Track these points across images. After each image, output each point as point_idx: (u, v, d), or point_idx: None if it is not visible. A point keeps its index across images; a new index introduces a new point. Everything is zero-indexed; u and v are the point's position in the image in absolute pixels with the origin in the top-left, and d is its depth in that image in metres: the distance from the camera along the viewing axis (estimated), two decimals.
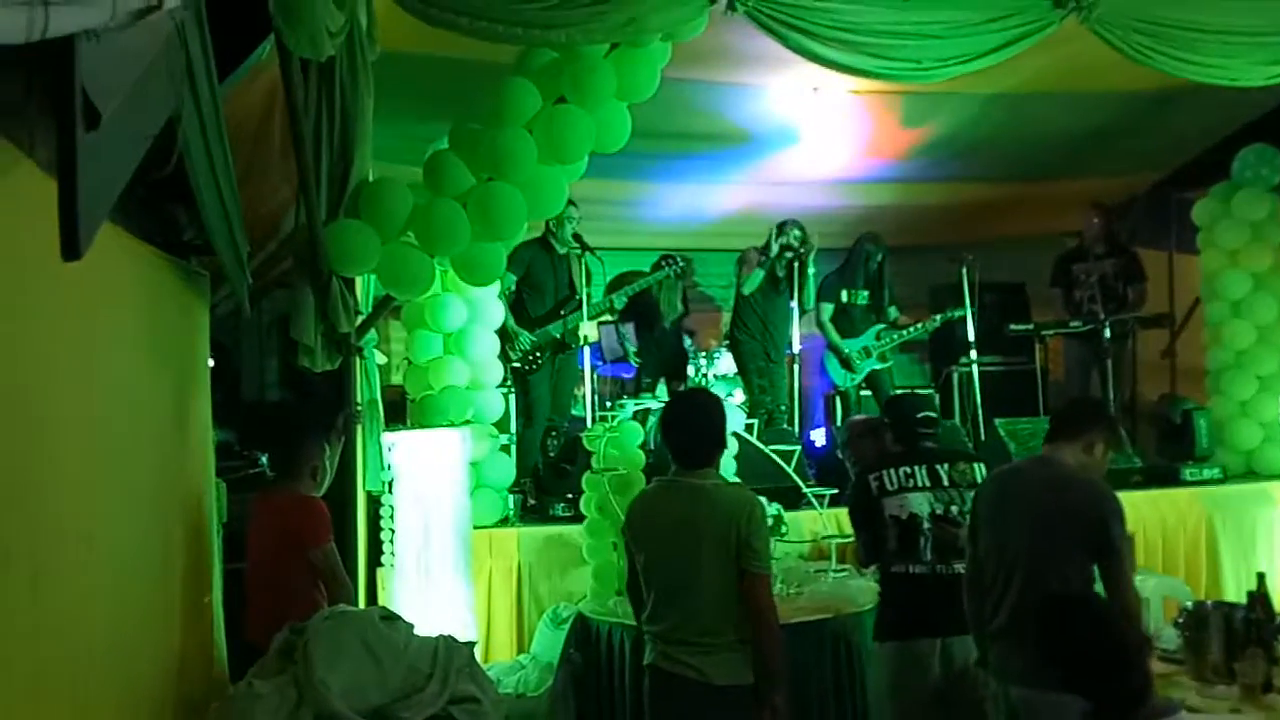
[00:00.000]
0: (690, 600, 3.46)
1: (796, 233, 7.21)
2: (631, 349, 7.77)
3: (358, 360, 4.81)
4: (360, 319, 4.68)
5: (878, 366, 7.53)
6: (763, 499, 5.38)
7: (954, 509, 3.99)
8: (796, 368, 7.22)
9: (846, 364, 7.47)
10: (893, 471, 4.09)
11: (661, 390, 7.50)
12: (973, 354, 7.23)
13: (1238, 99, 6.11)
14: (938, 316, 7.45)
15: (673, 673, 3.48)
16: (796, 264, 7.13)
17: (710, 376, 7.62)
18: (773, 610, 3.48)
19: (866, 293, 7.56)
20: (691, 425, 3.62)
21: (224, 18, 2.82)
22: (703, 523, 3.46)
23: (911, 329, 7.53)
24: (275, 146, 4.57)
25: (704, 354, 7.76)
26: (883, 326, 7.55)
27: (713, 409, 3.65)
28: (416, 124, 5.47)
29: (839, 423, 7.35)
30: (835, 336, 7.48)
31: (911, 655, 3.91)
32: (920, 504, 4.01)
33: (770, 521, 5.36)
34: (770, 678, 3.43)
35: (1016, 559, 3.45)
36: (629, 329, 7.83)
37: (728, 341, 7.77)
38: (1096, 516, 3.35)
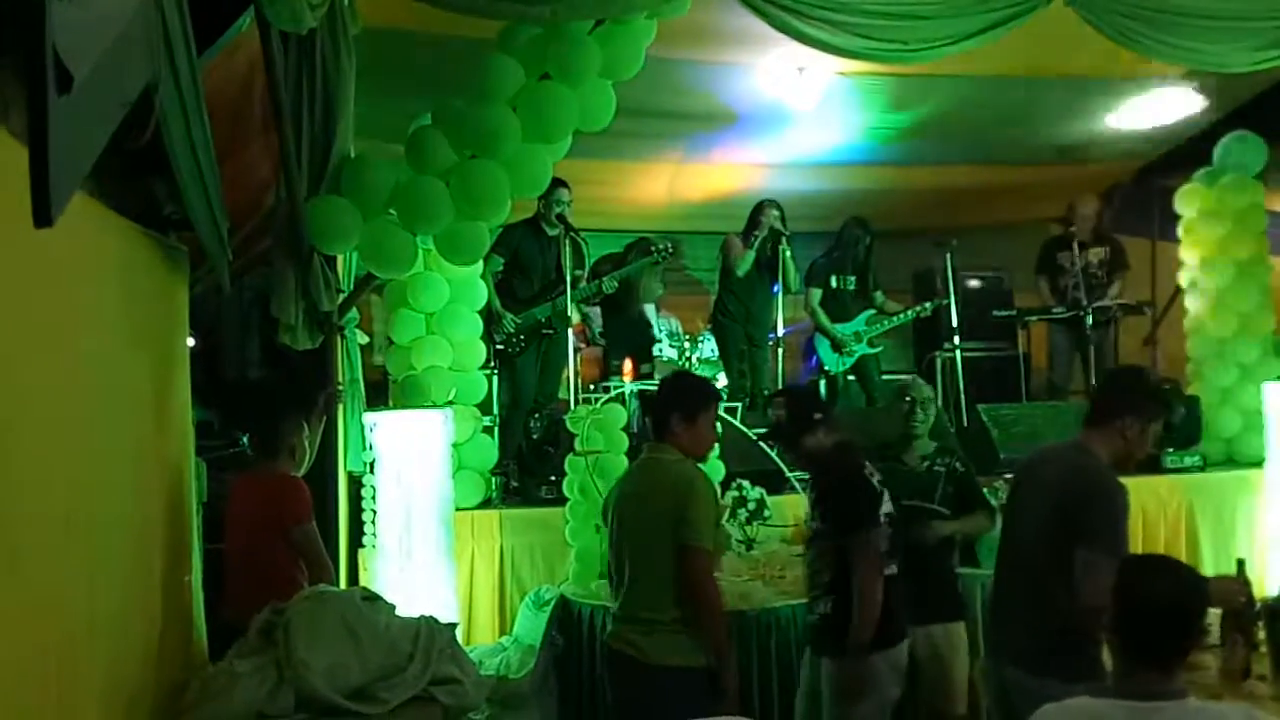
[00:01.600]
0: (636, 577, 3.44)
1: (776, 213, 7.18)
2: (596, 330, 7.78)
3: (339, 339, 4.77)
4: (342, 297, 4.64)
5: (868, 352, 7.52)
6: (745, 482, 5.41)
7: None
8: (780, 352, 7.21)
9: (839, 348, 7.46)
10: (870, 468, 3.83)
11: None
12: (956, 340, 7.23)
13: (1222, 85, 6.13)
14: (928, 304, 7.43)
15: (617, 650, 3.46)
16: (781, 247, 7.09)
17: (694, 360, 7.60)
18: (710, 585, 3.40)
19: (855, 278, 7.54)
20: (657, 398, 3.68)
21: None
22: (649, 497, 3.45)
23: (902, 314, 7.52)
24: (256, 122, 4.52)
25: (688, 338, 7.74)
26: (872, 312, 7.54)
27: (678, 383, 3.69)
28: (399, 100, 5.42)
29: None
30: (826, 321, 7.45)
31: (896, 661, 3.72)
32: (890, 502, 3.79)
33: (753, 505, 5.38)
34: (717, 657, 3.34)
35: (1020, 544, 3.44)
36: (594, 311, 7.81)
37: (711, 325, 7.76)
38: (1081, 504, 3.29)
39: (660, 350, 7.66)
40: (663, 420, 3.59)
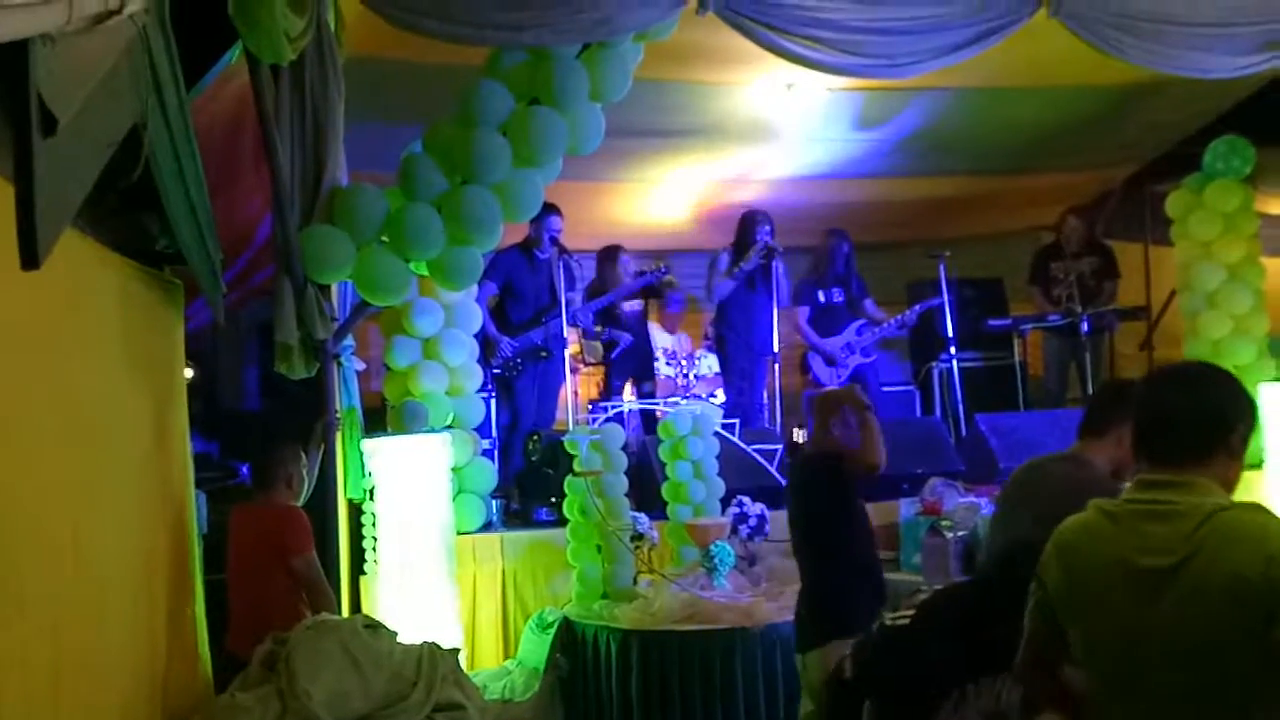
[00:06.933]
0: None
1: (767, 227, 7.17)
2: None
3: (336, 368, 4.77)
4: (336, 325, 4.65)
5: (863, 362, 7.51)
6: (746, 498, 5.41)
7: None
8: (778, 367, 7.19)
9: (831, 362, 7.45)
10: None
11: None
12: (952, 350, 7.23)
13: (1208, 91, 6.16)
14: (916, 307, 7.42)
15: None
16: (772, 261, 7.07)
17: (692, 378, 7.59)
18: None
19: (841, 289, 7.54)
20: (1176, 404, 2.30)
21: (190, 23, 2.80)
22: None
23: (892, 322, 7.51)
24: (248, 154, 4.55)
25: (686, 356, 7.72)
26: (862, 322, 7.53)
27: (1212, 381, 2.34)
28: (389, 129, 5.45)
29: None
30: (815, 338, 7.45)
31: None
32: None
33: (754, 522, 5.37)
34: None
35: None
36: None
37: (708, 341, 7.74)
38: (1061, 512, 3.24)
39: (658, 369, 7.65)
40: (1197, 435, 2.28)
